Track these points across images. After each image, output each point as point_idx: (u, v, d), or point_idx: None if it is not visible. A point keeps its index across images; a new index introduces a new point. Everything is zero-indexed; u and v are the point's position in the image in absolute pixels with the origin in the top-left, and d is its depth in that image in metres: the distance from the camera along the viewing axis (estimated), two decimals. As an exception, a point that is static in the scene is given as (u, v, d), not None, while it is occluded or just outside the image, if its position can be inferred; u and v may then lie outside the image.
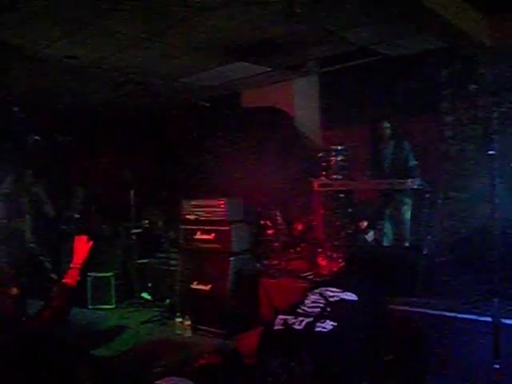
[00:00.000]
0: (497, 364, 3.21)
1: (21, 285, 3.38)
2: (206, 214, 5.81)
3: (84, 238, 3.51)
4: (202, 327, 5.49)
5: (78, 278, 3.33)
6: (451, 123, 5.85)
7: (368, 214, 5.79)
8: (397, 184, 5.17)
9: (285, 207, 6.26)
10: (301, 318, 2.86)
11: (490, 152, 3.27)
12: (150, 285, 6.93)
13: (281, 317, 2.97)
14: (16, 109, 7.34)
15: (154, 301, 6.71)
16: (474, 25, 5.03)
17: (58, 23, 4.57)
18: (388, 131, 5.77)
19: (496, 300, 3.26)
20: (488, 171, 3.33)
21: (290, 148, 6.85)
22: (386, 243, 5.66)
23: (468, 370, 3.65)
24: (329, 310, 2.89)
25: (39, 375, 2.73)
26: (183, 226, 6.05)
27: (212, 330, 5.40)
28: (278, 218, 6.04)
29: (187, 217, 6.02)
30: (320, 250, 5.52)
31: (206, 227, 5.77)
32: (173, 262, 6.47)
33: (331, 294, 3.06)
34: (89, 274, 6.66)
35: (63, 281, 3.29)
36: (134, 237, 6.98)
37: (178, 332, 5.51)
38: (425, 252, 4.74)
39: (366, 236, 5.63)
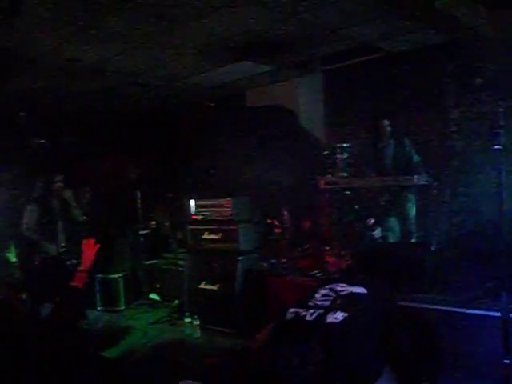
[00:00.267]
0: (506, 359, 3.20)
1: (31, 290, 3.42)
2: (213, 213, 5.83)
3: (91, 241, 3.54)
4: (211, 327, 5.50)
5: (87, 281, 3.34)
6: (456, 118, 5.83)
7: (375, 211, 5.78)
8: (403, 180, 5.16)
9: (291, 206, 6.26)
10: (312, 311, 2.88)
11: (496, 146, 3.26)
12: (158, 285, 6.95)
13: (292, 310, 2.99)
14: (23, 114, 7.42)
15: (163, 301, 6.73)
16: (479, 19, 5.01)
17: (60, 26, 4.59)
18: (388, 129, 5.75)
19: (505, 295, 3.25)
20: (494, 166, 3.32)
21: (295, 146, 6.85)
22: (393, 240, 5.66)
23: (477, 365, 3.64)
24: (339, 302, 2.90)
25: (46, 378, 2.74)
26: (190, 226, 6.07)
27: (221, 329, 5.41)
28: (285, 216, 6.04)
29: (194, 217, 6.03)
30: (327, 248, 5.52)
31: (213, 227, 5.78)
32: (180, 262, 6.48)
33: (341, 288, 3.07)
34: (97, 275, 6.69)
35: (71, 284, 3.30)
36: (141, 238, 7.01)
37: (186, 332, 5.53)
38: (432, 248, 4.74)
39: (373, 233, 5.61)
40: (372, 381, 2.58)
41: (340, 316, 2.76)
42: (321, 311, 2.85)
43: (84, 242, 3.55)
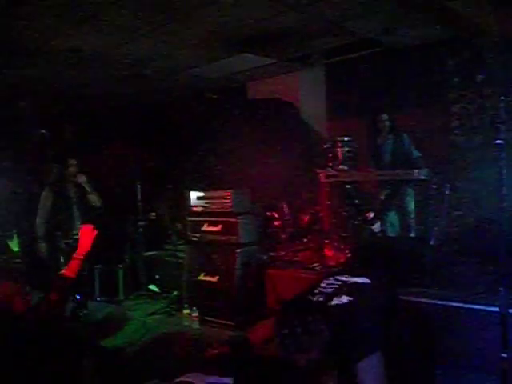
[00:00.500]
0: (504, 353, 3.22)
1: (29, 280, 3.39)
2: (213, 205, 5.83)
3: (90, 227, 3.47)
4: (210, 319, 5.52)
5: (78, 270, 3.28)
6: (458, 113, 5.83)
7: (375, 205, 5.79)
8: (403, 175, 5.17)
9: (291, 198, 6.27)
10: (318, 296, 2.94)
11: (498, 141, 3.26)
12: (157, 277, 6.97)
13: (298, 294, 3.06)
14: (23, 103, 7.40)
15: (162, 293, 6.75)
16: (482, 14, 5.00)
17: (63, 16, 4.58)
18: (387, 123, 5.74)
19: (503, 290, 3.27)
20: (495, 161, 3.32)
21: (296, 139, 6.85)
22: (392, 234, 5.67)
23: (476, 359, 3.66)
24: (345, 289, 2.97)
25: (43, 368, 2.74)
26: (190, 218, 6.07)
27: (219, 321, 5.43)
28: (285, 209, 6.05)
29: (194, 209, 6.04)
30: (327, 241, 5.53)
31: (212, 219, 5.79)
32: (180, 253, 6.50)
33: (345, 278, 3.13)
34: (96, 266, 6.71)
35: (62, 272, 3.25)
36: (141, 229, 7.02)
37: (185, 324, 5.55)
38: (431, 242, 4.75)
39: (372, 227, 5.63)
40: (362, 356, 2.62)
41: (345, 299, 2.83)
42: (326, 296, 2.92)
43: (82, 227, 3.51)
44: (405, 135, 5.67)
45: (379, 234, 5.59)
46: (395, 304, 3.24)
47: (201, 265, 5.81)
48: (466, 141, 5.73)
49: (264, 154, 6.70)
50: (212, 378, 2.90)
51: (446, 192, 5.21)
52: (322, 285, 3.07)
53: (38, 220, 5.96)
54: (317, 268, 5.17)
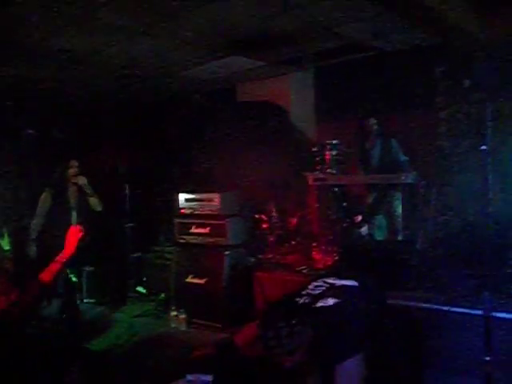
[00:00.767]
0: (488, 356, 3.26)
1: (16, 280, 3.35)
2: (201, 207, 5.84)
3: (77, 228, 3.40)
4: (197, 321, 5.52)
5: (57, 274, 3.20)
6: (445, 118, 5.87)
7: (362, 209, 5.83)
8: (391, 179, 5.21)
9: (280, 201, 6.28)
10: (305, 298, 2.96)
11: (483, 147, 3.30)
12: (144, 278, 6.95)
13: (285, 295, 3.08)
14: (10, 103, 7.33)
15: (149, 294, 6.74)
16: (469, 20, 5.05)
17: (53, 17, 4.56)
18: (375, 127, 5.78)
19: (487, 293, 3.31)
20: (481, 166, 3.36)
21: (284, 142, 6.86)
22: (379, 237, 5.71)
23: (460, 362, 3.69)
24: (331, 291, 3.00)
25: (28, 371, 2.72)
26: (178, 220, 6.07)
27: (207, 323, 5.43)
28: (273, 211, 6.06)
29: (182, 211, 6.04)
30: (315, 244, 5.55)
31: (201, 221, 5.79)
32: (168, 255, 6.49)
33: (333, 281, 3.16)
34: (84, 267, 6.67)
35: (39, 275, 3.15)
36: (129, 230, 7.00)
37: (172, 326, 5.54)
38: (418, 246, 4.78)
39: (360, 230, 5.66)
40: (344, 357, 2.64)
41: (331, 301, 2.85)
42: (312, 297, 2.94)
43: (71, 228, 3.44)
44: (393, 140, 5.71)
45: (366, 238, 5.63)
46: (383, 307, 3.27)
47: (189, 267, 5.81)
48: (453, 146, 5.77)
49: (253, 157, 6.71)
50: (191, 376, 2.90)
51: (433, 196, 5.25)
52: (310, 287, 3.11)
53: (33, 222, 5.80)
54: (304, 271, 5.19)
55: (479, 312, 3.45)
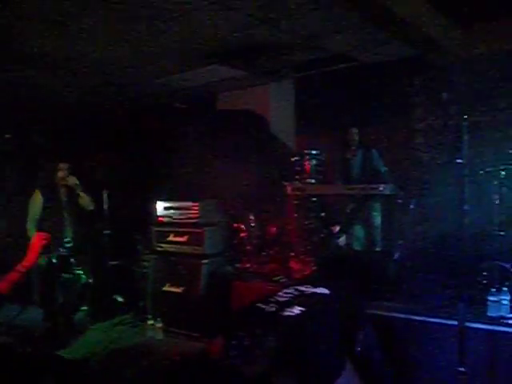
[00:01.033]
0: (462, 367, 3.28)
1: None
2: (179, 216, 5.81)
3: (41, 235, 3.24)
4: (174, 329, 5.47)
5: (14, 284, 3.01)
6: (423, 130, 5.95)
7: (340, 219, 5.84)
8: (370, 189, 5.24)
9: (258, 210, 6.28)
10: (271, 305, 2.95)
11: (458, 160, 3.34)
12: (121, 287, 6.87)
13: (252, 302, 3.07)
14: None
15: (126, 303, 6.66)
16: (447, 34, 5.13)
17: (33, 22, 4.52)
18: (356, 138, 5.82)
19: (462, 304, 3.34)
20: (457, 178, 3.40)
21: (264, 152, 6.87)
22: (357, 247, 5.72)
23: (434, 372, 3.71)
24: (299, 299, 2.99)
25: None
26: (156, 228, 6.03)
27: (183, 332, 5.39)
28: (251, 221, 6.05)
29: (160, 219, 6.00)
30: (292, 254, 5.56)
31: (179, 229, 5.76)
32: (145, 263, 6.43)
33: (305, 288, 3.15)
34: (60, 275, 6.57)
35: None
36: (106, 238, 6.91)
37: (149, 334, 5.49)
38: (396, 257, 4.81)
39: (338, 240, 5.68)
40: (333, 375, 2.62)
41: (297, 310, 2.85)
42: (279, 305, 2.93)
43: (36, 235, 3.32)
44: (373, 150, 5.75)
45: (344, 248, 5.64)
46: (358, 316, 3.27)
47: (166, 275, 5.77)
48: (431, 158, 5.84)
49: (232, 166, 6.70)
50: None
51: (411, 207, 5.30)
52: (279, 293, 3.10)
53: (28, 224, 5.74)
54: (282, 280, 5.18)
55: (454, 322, 3.48)
